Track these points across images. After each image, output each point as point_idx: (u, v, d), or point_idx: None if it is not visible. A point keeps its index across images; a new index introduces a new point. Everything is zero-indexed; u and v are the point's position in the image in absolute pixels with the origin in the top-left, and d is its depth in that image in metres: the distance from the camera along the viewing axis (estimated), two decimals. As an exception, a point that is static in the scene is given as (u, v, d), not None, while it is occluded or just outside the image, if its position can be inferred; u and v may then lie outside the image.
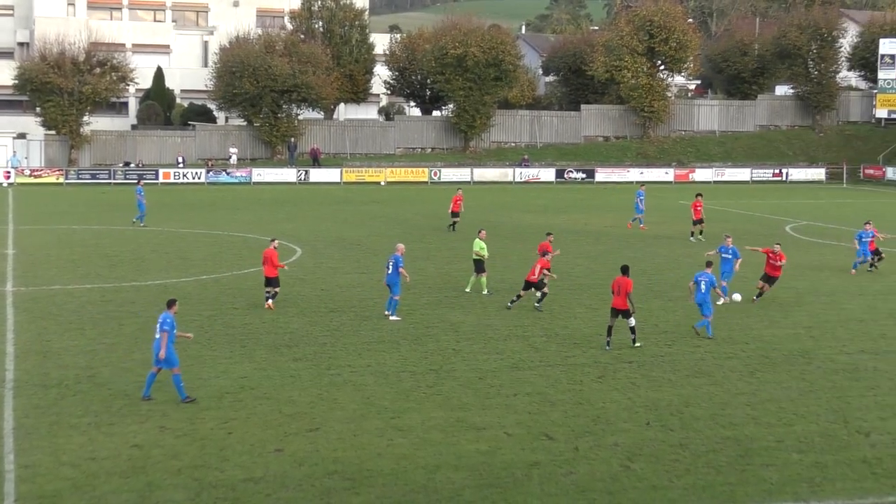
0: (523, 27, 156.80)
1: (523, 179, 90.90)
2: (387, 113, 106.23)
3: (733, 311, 33.12)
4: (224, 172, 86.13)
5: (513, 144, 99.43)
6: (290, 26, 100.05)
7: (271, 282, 33.42)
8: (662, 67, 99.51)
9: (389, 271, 31.96)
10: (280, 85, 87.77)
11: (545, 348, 28.39)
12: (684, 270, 39.89)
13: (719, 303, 32.86)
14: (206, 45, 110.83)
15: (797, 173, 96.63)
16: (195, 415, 21.80)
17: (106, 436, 20.47)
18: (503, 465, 19.19)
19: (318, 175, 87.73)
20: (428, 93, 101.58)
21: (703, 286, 29.57)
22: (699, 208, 51.80)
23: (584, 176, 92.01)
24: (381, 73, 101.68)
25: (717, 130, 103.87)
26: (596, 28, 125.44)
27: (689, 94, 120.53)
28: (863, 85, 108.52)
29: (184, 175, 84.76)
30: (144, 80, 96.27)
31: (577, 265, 43.04)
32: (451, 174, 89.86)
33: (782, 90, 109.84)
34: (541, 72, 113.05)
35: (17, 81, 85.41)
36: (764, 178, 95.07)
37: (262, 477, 18.48)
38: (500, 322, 31.57)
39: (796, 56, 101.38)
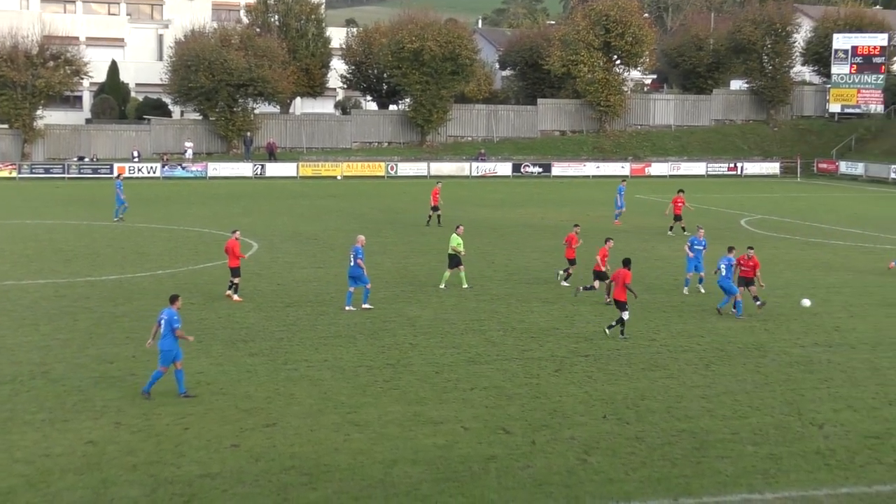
0: (480, 21, 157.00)
1: (480, 174, 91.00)
2: (343, 107, 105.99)
3: (690, 305, 33.42)
4: (179, 167, 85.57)
5: (469, 139, 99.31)
6: (245, 20, 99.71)
7: (234, 272, 33.46)
8: (619, 62, 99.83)
9: (352, 263, 31.97)
10: (236, 79, 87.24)
11: (502, 342, 28.46)
12: (641, 265, 40.03)
13: (684, 291, 35.42)
14: (161, 38, 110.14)
15: (752, 167, 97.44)
16: (151, 410, 21.67)
17: (60, 432, 20.31)
18: (460, 459, 19.21)
19: (274, 169, 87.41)
20: (384, 87, 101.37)
21: (723, 269, 31.94)
22: (679, 204, 52.01)
23: (540, 170, 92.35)
24: (338, 67, 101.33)
25: (672, 125, 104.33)
26: (552, 22, 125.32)
27: (645, 89, 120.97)
28: (816, 80, 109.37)
29: (139, 169, 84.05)
30: (99, 74, 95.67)
31: (533, 259, 43.20)
32: (407, 168, 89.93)
33: (737, 85, 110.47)
34: (497, 66, 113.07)
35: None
36: (719, 172, 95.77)
37: (218, 472, 18.39)
38: (457, 316, 31.61)
39: (751, 51, 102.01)
